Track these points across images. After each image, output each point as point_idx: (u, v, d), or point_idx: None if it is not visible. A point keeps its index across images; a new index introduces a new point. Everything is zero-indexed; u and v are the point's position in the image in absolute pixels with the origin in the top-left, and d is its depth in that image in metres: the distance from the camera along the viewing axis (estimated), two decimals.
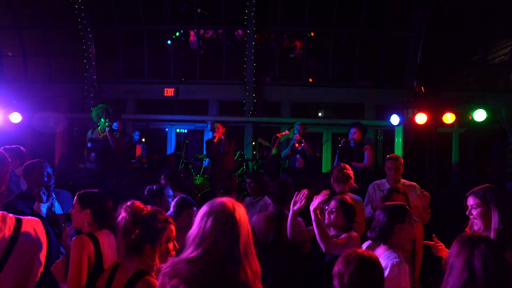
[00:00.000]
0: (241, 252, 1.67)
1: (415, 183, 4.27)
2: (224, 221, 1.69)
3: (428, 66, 9.29)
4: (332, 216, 3.13)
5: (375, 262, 1.97)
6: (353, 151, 6.18)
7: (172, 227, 2.04)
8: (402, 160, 4.29)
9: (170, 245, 2.01)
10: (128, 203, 2.05)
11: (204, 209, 1.76)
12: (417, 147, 7.81)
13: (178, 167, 8.28)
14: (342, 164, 4.04)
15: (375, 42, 9.80)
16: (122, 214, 2.02)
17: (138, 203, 2.07)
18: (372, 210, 3.97)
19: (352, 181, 3.96)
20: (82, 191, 2.56)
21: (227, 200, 1.75)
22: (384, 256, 2.44)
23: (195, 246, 1.67)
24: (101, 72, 9.98)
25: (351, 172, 3.96)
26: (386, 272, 2.29)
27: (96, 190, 2.61)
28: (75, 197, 2.54)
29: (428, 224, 4.27)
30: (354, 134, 6.30)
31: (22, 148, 4.67)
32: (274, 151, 6.89)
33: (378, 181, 4.41)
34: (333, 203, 3.17)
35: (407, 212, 2.56)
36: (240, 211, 1.74)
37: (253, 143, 9.34)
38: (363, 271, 1.91)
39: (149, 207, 2.08)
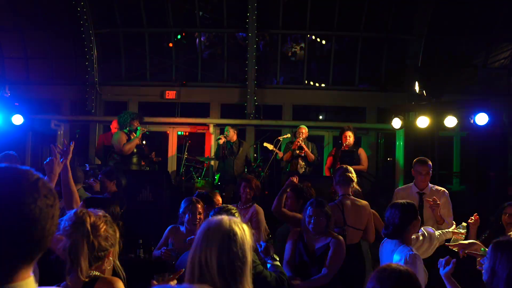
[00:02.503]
0: (239, 271, 1.63)
1: (443, 189, 4.07)
2: (220, 240, 1.64)
3: (429, 69, 9.30)
4: (317, 222, 3.30)
5: (413, 278, 1.76)
6: (349, 154, 6.22)
7: None
8: (431, 163, 4.08)
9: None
10: None
11: (202, 227, 1.74)
12: (419, 150, 7.80)
13: (179, 169, 8.28)
14: (345, 166, 4.01)
15: (376, 45, 9.81)
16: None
17: None
18: None
19: (355, 184, 3.93)
20: (89, 197, 2.49)
21: (225, 218, 1.72)
22: (398, 251, 2.61)
23: (193, 266, 1.66)
24: (102, 74, 9.99)
25: (354, 175, 3.93)
26: (402, 262, 2.44)
27: (102, 196, 2.55)
28: (82, 202, 2.49)
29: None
30: (349, 137, 6.34)
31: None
32: (277, 156, 6.92)
33: (404, 186, 4.24)
34: (311, 211, 3.35)
35: (417, 209, 2.81)
36: (238, 229, 1.70)
37: (255, 146, 9.34)
38: None
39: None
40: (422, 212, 3.72)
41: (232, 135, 7.18)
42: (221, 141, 7.03)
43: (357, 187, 3.99)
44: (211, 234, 1.65)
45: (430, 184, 4.07)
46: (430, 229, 3.18)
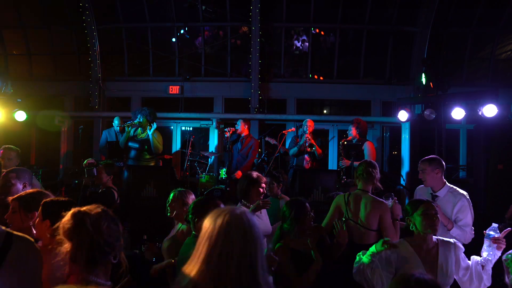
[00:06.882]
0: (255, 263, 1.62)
1: (463, 192, 3.74)
2: (233, 232, 1.63)
3: (435, 61, 9.18)
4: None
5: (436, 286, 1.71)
6: (353, 147, 6.14)
7: None
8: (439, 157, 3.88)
9: None
10: None
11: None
12: (424, 143, 7.72)
13: (183, 165, 8.24)
14: (368, 161, 3.87)
15: (381, 38, 9.69)
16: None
17: None
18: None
19: (376, 182, 3.73)
20: (48, 200, 2.36)
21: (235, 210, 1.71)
22: None
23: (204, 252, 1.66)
24: (106, 70, 9.97)
25: (376, 172, 3.74)
26: None
27: (66, 199, 2.37)
28: (40, 205, 2.35)
29: None
30: (352, 131, 6.30)
31: None
32: (281, 150, 6.88)
33: (423, 185, 3.90)
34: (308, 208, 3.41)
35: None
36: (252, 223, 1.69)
37: (259, 140, 9.29)
38: None
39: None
40: None
41: (243, 129, 7.20)
42: (227, 133, 7.09)
43: (379, 185, 3.76)
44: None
45: (449, 186, 3.70)
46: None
